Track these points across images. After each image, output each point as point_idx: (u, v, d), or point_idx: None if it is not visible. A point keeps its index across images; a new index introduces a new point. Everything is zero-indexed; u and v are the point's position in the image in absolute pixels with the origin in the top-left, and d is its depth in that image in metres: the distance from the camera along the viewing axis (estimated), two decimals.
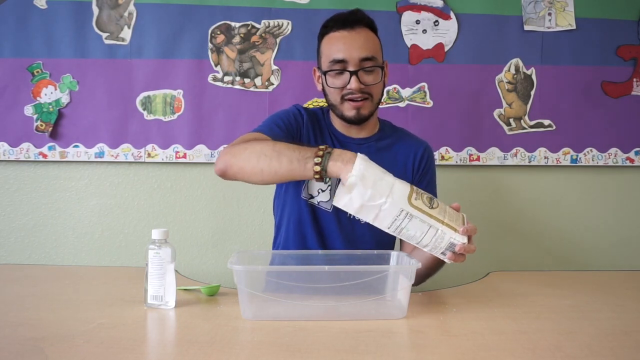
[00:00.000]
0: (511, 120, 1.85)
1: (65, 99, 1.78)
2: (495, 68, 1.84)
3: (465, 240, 0.95)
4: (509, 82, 1.85)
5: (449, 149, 1.83)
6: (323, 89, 1.27)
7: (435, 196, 1.28)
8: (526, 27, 1.84)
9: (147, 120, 1.79)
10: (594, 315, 0.99)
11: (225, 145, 1.13)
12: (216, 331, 0.86)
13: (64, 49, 1.77)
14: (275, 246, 1.37)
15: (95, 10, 1.77)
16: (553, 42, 1.84)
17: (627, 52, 1.86)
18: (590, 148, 1.86)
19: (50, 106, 1.77)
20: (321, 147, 1.01)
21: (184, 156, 1.79)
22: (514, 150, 1.85)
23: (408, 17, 1.82)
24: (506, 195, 1.88)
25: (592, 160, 1.87)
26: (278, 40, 1.80)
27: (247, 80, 1.80)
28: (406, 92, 1.82)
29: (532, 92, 1.85)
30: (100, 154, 1.78)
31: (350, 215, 1.26)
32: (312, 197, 1.26)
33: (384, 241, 1.26)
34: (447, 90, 1.83)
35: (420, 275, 1.17)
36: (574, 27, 1.84)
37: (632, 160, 1.87)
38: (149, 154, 1.79)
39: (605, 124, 1.87)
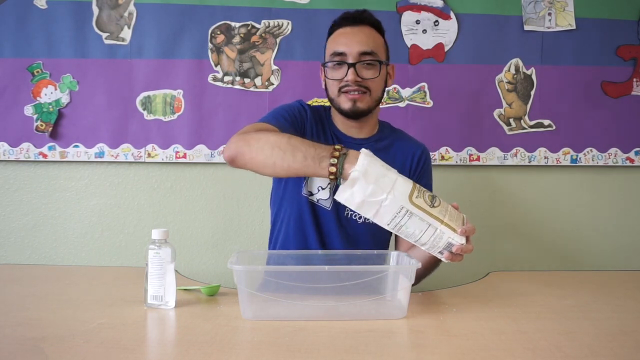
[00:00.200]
0: (511, 120, 1.85)
1: (65, 99, 1.78)
2: (495, 68, 1.84)
3: (463, 240, 0.96)
4: (509, 82, 1.85)
5: (449, 149, 1.83)
6: (325, 85, 1.28)
7: None
8: (526, 27, 1.84)
9: (147, 120, 1.79)
10: (594, 315, 0.99)
11: (240, 132, 1.11)
12: (216, 331, 0.86)
13: (64, 49, 1.77)
14: (271, 241, 1.37)
15: (95, 10, 1.77)
16: (553, 42, 1.84)
17: (627, 52, 1.86)
18: (590, 148, 1.86)
19: (50, 106, 1.77)
20: (336, 147, 1.00)
21: (184, 156, 1.79)
22: (514, 150, 1.85)
23: (408, 17, 1.82)
24: (506, 195, 1.88)
25: (592, 160, 1.87)
26: (278, 40, 1.80)
27: (247, 80, 1.80)
28: (406, 92, 1.82)
29: (532, 92, 1.85)
30: (100, 154, 1.78)
31: (347, 214, 1.26)
32: (311, 194, 1.27)
33: (382, 240, 1.29)
34: (447, 90, 1.83)
35: (417, 275, 1.17)
36: (574, 27, 1.84)
37: (632, 160, 1.87)
38: (149, 154, 1.79)
39: (605, 124, 1.87)
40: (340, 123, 1.31)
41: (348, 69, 1.20)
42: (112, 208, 1.82)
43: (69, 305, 1.00)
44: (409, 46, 1.82)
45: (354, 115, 1.24)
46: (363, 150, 0.99)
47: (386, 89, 1.31)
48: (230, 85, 1.80)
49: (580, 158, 1.86)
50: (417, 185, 0.97)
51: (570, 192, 1.89)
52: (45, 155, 1.78)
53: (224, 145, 1.77)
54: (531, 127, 1.85)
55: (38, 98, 1.77)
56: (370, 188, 0.93)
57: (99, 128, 1.78)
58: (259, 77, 1.80)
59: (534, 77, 1.85)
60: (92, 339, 0.81)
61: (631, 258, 1.89)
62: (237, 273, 0.92)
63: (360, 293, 0.94)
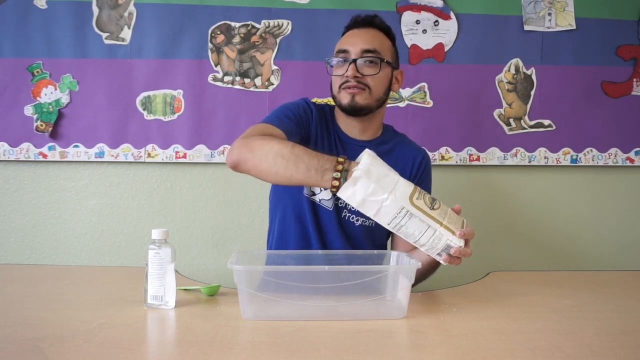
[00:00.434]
0: (511, 120, 1.85)
1: (65, 99, 1.78)
2: (495, 68, 1.84)
3: (461, 243, 0.97)
4: (509, 82, 1.85)
5: (449, 149, 1.83)
6: (331, 84, 1.29)
7: None
8: (526, 27, 1.84)
9: (147, 120, 1.79)
10: (594, 315, 0.99)
11: (243, 136, 1.11)
12: (216, 331, 0.86)
13: (64, 49, 1.77)
14: (271, 240, 1.37)
15: (95, 10, 1.77)
16: (553, 42, 1.84)
17: (627, 52, 1.86)
18: (590, 148, 1.86)
19: (50, 106, 1.77)
20: (340, 159, 1.00)
21: (184, 156, 1.79)
22: (514, 150, 1.85)
23: (408, 17, 1.82)
24: (506, 195, 1.88)
25: (592, 160, 1.87)
26: (278, 40, 1.80)
27: (247, 80, 1.80)
28: (406, 92, 1.82)
29: (532, 92, 1.85)
30: (100, 154, 1.78)
31: (345, 216, 1.26)
32: (313, 194, 1.27)
33: (379, 242, 1.31)
34: (447, 90, 1.83)
35: (416, 276, 1.18)
36: (574, 27, 1.84)
37: (632, 160, 1.87)
38: (149, 154, 1.79)
39: (605, 124, 1.86)
40: (344, 123, 1.31)
41: (349, 65, 1.21)
42: (112, 208, 1.82)
43: (69, 305, 1.00)
44: (409, 46, 1.82)
45: (353, 110, 1.24)
46: (366, 150, 1.00)
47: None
48: (230, 85, 1.80)
49: (580, 158, 1.86)
50: (418, 188, 0.99)
51: (570, 192, 1.89)
52: (45, 155, 1.78)
53: (225, 145, 1.79)
54: (531, 127, 1.85)
55: (38, 98, 1.77)
56: (372, 187, 0.94)
57: (99, 128, 1.78)
58: (259, 77, 1.80)
59: (534, 77, 1.85)
60: (92, 339, 0.81)
61: (631, 258, 1.89)
62: (237, 273, 0.92)
63: (360, 293, 0.94)
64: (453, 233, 0.96)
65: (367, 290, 0.94)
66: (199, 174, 1.83)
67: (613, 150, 1.87)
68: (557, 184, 1.88)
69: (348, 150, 1.29)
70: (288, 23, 1.80)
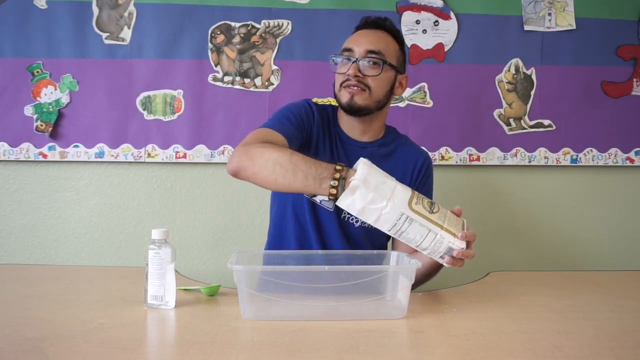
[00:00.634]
0: (511, 120, 1.85)
1: (65, 99, 1.78)
2: (495, 68, 1.84)
3: (463, 245, 0.97)
4: (509, 82, 1.85)
5: (449, 149, 1.83)
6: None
7: None
8: (526, 27, 1.84)
9: (147, 120, 1.79)
10: (594, 315, 0.99)
11: (241, 143, 1.13)
12: (216, 331, 0.86)
13: (64, 49, 1.77)
14: (270, 239, 1.37)
15: (95, 10, 1.77)
16: (553, 42, 1.84)
17: (627, 52, 1.86)
18: (590, 148, 1.86)
19: (50, 106, 1.77)
20: (337, 167, 1.00)
21: (184, 156, 1.79)
22: (514, 150, 1.85)
23: (408, 17, 1.82)
24: (506, 196, 1.88)
25: (592, 160, 1.87)
26: (278, 40, 1.80)
27: (247, 80, 1.80)
28: (406, 92, 1.82)
29: (532, 92, 1.85)
30: (100, 154, 1.78)
31: (345, 216, 1.26)
32: (314, 194, 1.27)
33: (379, 243, 1.31)
34: (447, 90, 1.83)
35: (418, 278, 1.17)
36: (574, 27, 1.84)
37: (632, 160, 1.87)
38: (149, 154, 1.79)
39: (605, 124, 1.86)
40: (345, 124, 1.31)
41: (352, 64, 1.21)
42: (112, 208, 1.82)
43: (69, 305, 1.00)
44: (409, 46, 1.82)
45: (351, 110, 1.24)
46: (362, 159, 1.01)
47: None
48: (230, 85, 1.80)
49: (580, 158, 1.86)
50: (416, 192, 1.00)
51: (570, 192, 1.89)
52: (45, 155, 1.78)
53: (225, 145, 1.79)
54: (531, 127, 1.85)
55: (38, 98, 1.77)
56: (370, 195, 0.94)
57: (99, 128, 1.78)
58: (259, 77, 1.80)
59: (534, 77, 1.85)
60: (92, 339, 0.81)
61: (631, 258, 1.89)
62: (237, 273, 0.92)
63: (360, 293, 0.94)
64: (454, 235, 0.97)
65: (367, 290, 0.94)
66: (199, 174, 1.83)
67: (613, 150, 1.87)
68: (557, 184, 1.88)
69: (348, 151, 1.29)
70: (288, 23, 1.80)
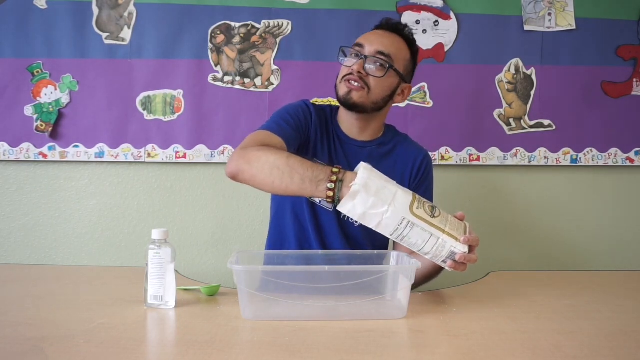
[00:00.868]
0: (511, 120, 1.85)
1: (65, 99, 1.78)
2: (495, 68, 1.84)
3: (466, 249, 0.97)
4: (509, 82, 1.85)
5: (448, 149, 1.83)
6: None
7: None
8: (526, 27, 1.84)
9: (147, 120, 1.79)
10: (594, 315, 0.99)
11: (241, 146, 1.14)
12: (216, 331, 0.86)
13: (64, 49, 1.77)
14: (270, 239, 1.37)
15: (95, 10, 1.77)
16: (553, 42, 1.84)
17: (627, 52, 1.86)
18: (590, 148, 1.86)
19: (50, 106, 1.77)
20: (334, 169, 1.00)
21: (184, 156, 1.79)
22: (514, 150, 1.85)
23: (408, 17, 1.82)
24: (506, 196, 1.88)
25: (592, 160, 1.87)
26: (278, 40, 1.80)
27: (247, 80, 1.80)
28: None
29: (532, 92, 1.85)
30: (100, 154, 1.78)
31: (344, 216, 1.26)
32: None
33: (379, 243, 1.29)
34: (447, 90, 1.83)
35: (418, 279, 1.17)
36: (574, 27, 1.84)
37: (632, 160, 1.87)
38: (149, 154, 1.79)
39: (605, 124, 1.86)
40: (344, 124, 1.31)
41: (358, 60, 1.21)
42: (112, 208, 1.82)
43: (69, 305, 1.00)
44: None
45: (346, 104, 1.24)
46: (362, 163, 1.00)
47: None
48: (230, 85, 1.80)
49: (580, 158, 1.86)
50: (417, 196, 0.99)
51: (570, 192, 1.89)
52: (45, 155, 1.78)
53: (225, 145, 1.79)
54: (531, 127, 1.85)
55: (38, 98, 1.77)
56: (371, 200, 0.94)
57: (99, 128, 1.78)
58: (259, 77, 1.80)
59: (534, 77, 1.85)
60: (92, 339, 0.81)
61: (631, 258, 1.89)
62: (237, 273, 0.92)
63: (360, 293, 0.94)
64: (456, 239, 0.97)
65: (367, 290, 0.94)
66: (199, 174, 1.83)
67: (613, 150, 1.87)
68: (557, 184, 1.88)
69: (347, 150, 1.29)
70: (288, 23, 1.80)
